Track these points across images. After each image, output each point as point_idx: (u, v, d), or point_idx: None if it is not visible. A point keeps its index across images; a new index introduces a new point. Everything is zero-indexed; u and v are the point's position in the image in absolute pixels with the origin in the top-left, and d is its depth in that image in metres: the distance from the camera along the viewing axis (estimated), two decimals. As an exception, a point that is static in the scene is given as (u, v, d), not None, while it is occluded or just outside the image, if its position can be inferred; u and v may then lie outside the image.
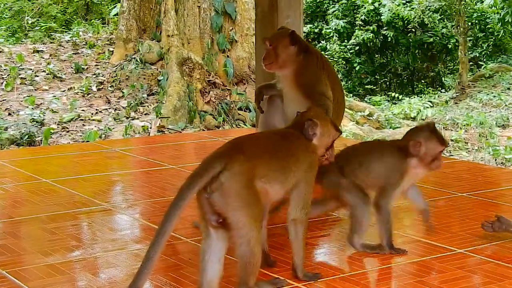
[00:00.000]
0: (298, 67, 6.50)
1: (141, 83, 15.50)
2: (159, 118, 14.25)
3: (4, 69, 16.04)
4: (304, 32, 25.42)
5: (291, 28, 6.76)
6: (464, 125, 15.92)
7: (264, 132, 4.25)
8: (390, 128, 15.70)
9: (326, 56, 24.22)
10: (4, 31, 20.05)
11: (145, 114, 14.68)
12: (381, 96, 22.07)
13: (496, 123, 16.86)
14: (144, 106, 15.00)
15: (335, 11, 24.78)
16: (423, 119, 17.14)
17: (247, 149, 3.33)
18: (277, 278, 3.57)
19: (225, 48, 16.06)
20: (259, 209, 3.28)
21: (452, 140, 14.38)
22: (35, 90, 15.33)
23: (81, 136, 13.51)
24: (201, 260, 3.31)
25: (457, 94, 21.31)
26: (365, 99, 21.73)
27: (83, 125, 14.08)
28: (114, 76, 15.79)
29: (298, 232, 3.52)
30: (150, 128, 13.99)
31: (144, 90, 15.36)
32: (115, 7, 19.82)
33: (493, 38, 26.00)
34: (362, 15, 24.30)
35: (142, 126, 14.01)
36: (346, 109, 15.82)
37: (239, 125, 14.70)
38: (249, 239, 3.24)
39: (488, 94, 20.43)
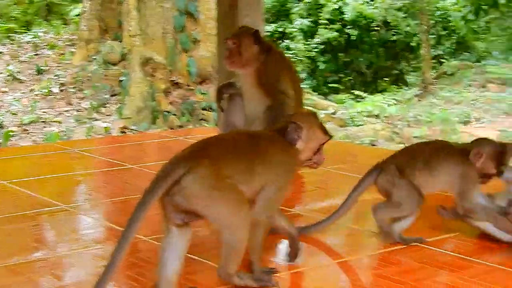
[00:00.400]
0: (260, 65, 6.53)
1: (103, 84, 15.41)
2: (122, 119, 14.18)
3: (-37, 71, 15.90)
4: (268, 32, 25.43)
5: (252, 27, 6.80)
6: (427, 122, 16.03)
7: (234, 132, 4.11)
8: (354, 125, 15.77)
9: (290, 55, 24.36)
10: (-36, 32, 19.86)
11: (107, 115, 14.60)
12: (345, 94, 22.15)
13: (458, 120, 17.02)
14: (107, 107, 14.92)
15: (299, 10, 24.81)
16: (386, 117, 17.23)
17: (212, 151, 3.30)
18: (271, 268, 3.55)
19: (188, 48, 16.03)
20: (238, 197, 3.25)
21: (415, 137, 14.47)
22: (-5, 92, 15.19)
23: (42, 138, 13.40)
24: (161, 256, 3.31)
25: (420, 92, 21.46)
26: (329, 98, 21.79)
27: (44, 127, 13.97)
28: (76, 77, 15.69)
29: (256, 233, 3.47)
30: (113, 129, 13.91)
31: (106, 91, 15.28)
32: (76, 7, 19.70)
33: (456, 36, 26.22)
34: (326, 14, 24.36)
35: (105, 127, 13.93)
36: (310, 108, 15.89)
37: (202, 124, 14.68)
38: (232, 227, 3.24)
39: (450, 91, 20.60)
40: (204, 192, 3.19)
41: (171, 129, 14.16)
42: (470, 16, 24.95)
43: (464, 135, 15.76)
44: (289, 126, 3.49)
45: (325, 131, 3.61)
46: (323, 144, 3.63)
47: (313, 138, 3.55)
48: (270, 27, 25.42)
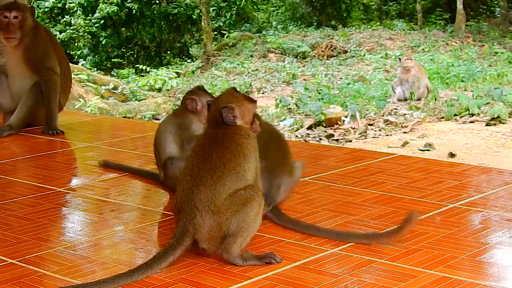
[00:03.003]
0: (29, 42, 6.38)
1: None
2: None
3: None
4: (47, 7, 24.76)
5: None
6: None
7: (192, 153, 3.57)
8: (136, 100, 15.67)
9: (71, 31, 23.84)
10: None
11: None
12: (129, 69, 22.01)
13: (240, 90, 17.31)
14: None
15: (78, -16, 24.41)
16: (168, 90, 17.26)
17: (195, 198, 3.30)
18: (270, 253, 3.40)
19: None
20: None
21: (196, 109, 14.55)
22: None
23: None
24: None
25: (203, 64, 21.68)
26: (112, 73, 21.56)
27: None
28: None
29: None
30: None
31: None
32: None
33: (236, 7, 26.68)
34: (105, -12, 24.06)
35: None
36: (90, 84, 15.65)
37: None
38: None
39: (232, 62, 20.95)
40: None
41: None
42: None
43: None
44: (222, 112, 3.42)
45: (251, 100, 3.58)
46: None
47: (245, 112, 3.51)
48: (48, 3, 24.77)
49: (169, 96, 16.38)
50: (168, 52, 24.93)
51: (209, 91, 15.27)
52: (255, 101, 3.63)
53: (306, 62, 21.37)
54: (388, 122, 12.56)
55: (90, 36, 24.24)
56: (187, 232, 3.27)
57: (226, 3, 26.70)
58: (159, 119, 13.89)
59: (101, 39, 24.07)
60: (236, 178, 3.33)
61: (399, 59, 15.52)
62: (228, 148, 3.38)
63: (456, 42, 23.11)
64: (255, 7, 27.91)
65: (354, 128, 12.01)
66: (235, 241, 3.29)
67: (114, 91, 15.82)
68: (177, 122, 4.44)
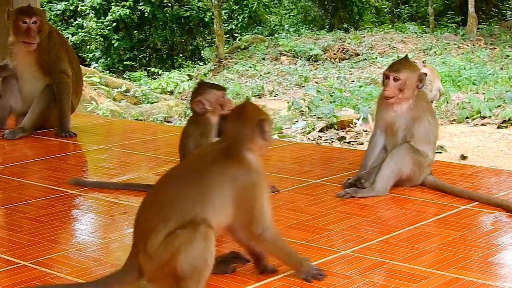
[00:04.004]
0: (43, 45, 6.41)
1: None
2: None
3: None
4: (59, 10, 24.84)
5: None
6: (220, 96, 16.20)
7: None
8: (148, 103, 15.69)
9: (83, 33, 23.90)
10: None
11: None
12: (141, 71, 22.04)
13: (252, 93, 17.33)
14: None
15: (89, -13, 24.46)
16: (180, 93, 17.28)
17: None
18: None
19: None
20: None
21: (208, 112, 14.56)
22: None
23: None
24: None
25: (215, 66, 21.68)
26: (125, 75, 21.60)
27: None
28: None
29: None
30: None
31: None
32: None
33: (248, 10, 26.69)
34: (117, -9, 24.12)
35: None
36: (102, 86, 15.68)
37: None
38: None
39: (244, 65, 20.94)
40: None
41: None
42: (261, -9, 25.46)
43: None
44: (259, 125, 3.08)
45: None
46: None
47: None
48: (61, 6, 24.85)
49: (181, 99, 16.39)
50: (180, 55, 24.94)
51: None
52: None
53: (318, 65, 21.34)
54: (400, 125, 12.52)
55: (102, 39, 24.28)
56: (133, 266, 3.05)
57: (238, 6, 26.72)
58: (171, 122, 13.91)
59: (113, 41, 24.10)
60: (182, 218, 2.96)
61: (412, 62, 15.44)
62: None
63: (467, 45, 23.04)
64: (267, 10, 27.92)
65: (366, 131, 12.00)
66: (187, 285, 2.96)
67: (126, 94, 15.84)
68: None
